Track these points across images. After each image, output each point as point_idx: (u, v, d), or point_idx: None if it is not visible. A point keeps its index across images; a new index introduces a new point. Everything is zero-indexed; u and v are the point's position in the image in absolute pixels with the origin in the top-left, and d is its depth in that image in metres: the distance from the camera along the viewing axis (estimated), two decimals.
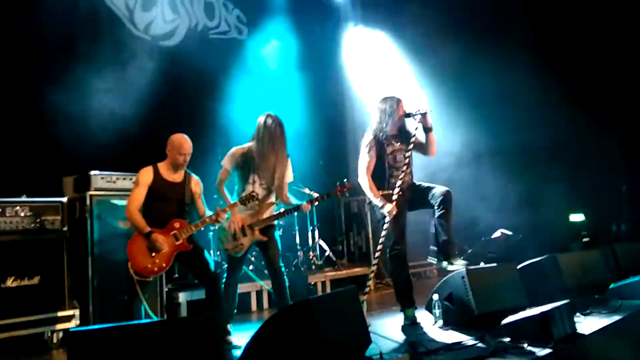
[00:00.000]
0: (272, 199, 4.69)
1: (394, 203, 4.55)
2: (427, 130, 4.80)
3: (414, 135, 4.74)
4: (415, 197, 4.79)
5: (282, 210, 4.77)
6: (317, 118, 8.68)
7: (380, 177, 4.74)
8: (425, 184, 4.84)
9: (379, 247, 4.62)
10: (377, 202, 4.65)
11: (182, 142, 4.43)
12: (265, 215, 4.64)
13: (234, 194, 4.70)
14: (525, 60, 8.05)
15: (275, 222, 4.77)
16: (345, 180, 5.02)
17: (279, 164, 4.64)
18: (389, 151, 4.75)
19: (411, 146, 4.73)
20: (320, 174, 7.70)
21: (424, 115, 4.73)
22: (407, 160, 4.69)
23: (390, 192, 4.63)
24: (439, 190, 4.69)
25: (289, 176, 4.78)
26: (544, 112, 7.98)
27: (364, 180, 4.73)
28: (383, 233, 4.63)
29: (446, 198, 4.64)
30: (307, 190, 6.96)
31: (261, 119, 4.64)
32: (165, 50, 7.45)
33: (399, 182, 4.59)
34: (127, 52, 6.88)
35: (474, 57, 7.94)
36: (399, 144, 4.81)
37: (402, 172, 4.64)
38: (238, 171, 4.65)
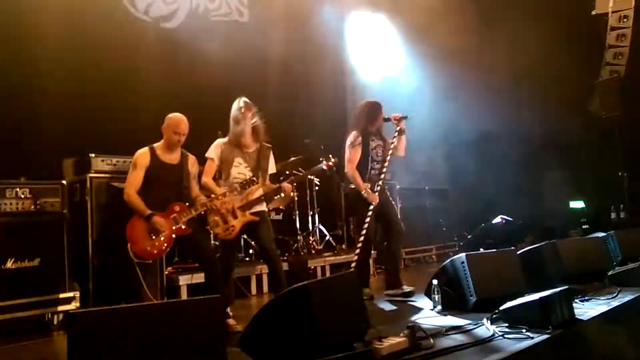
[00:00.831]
0: (260, 178, 4.67)
1: (376, 194, 5.23)
2: (400, 132, 5.48)
3: (393, 142, 5.44)
4: (382, 214, 5.41)
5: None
6: (317, 100, 8.65)
7: (363, 169, 5.34)
8: (392, 214, 5.54)
9: (362, 237, 5.13)
10: (363, 192, 5.22)
11: (179, 121, 4.40)
12: (255, 196, 4.64)
13: (222, 178, 4.68)
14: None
15: (265, 208, 4.77)
16: (330, 155, 5.04)
17: (261, 150, 4.70)
18: (372, 146, 5.41)
19: (390, 151, 5.40)
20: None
21: (399, 120, 5.48)
22: (387, 157, 5.39)
23: (373, 186, 5.29)
24: (397, 230, 5.44)
25: (272, 167, 4.81)
26: (545, 99, 7.96)
27: (350, 172, 5.31)
28: (366, 223, 5.13)
29: (400, 240, 5.54)
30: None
31: (234, 104, 4.67)
32: (165, 32, 7.39)
33: (381, 176, 5.33)
34: (127, 33, 6.84)
35: (478, 42, 7.90)
36: (379, 141, 5.48)
37: (383, 166, 5.37)
38: (222, 159, 4.62)
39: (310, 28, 8.80)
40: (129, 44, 6.86)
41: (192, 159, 4.58)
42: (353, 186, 5.36)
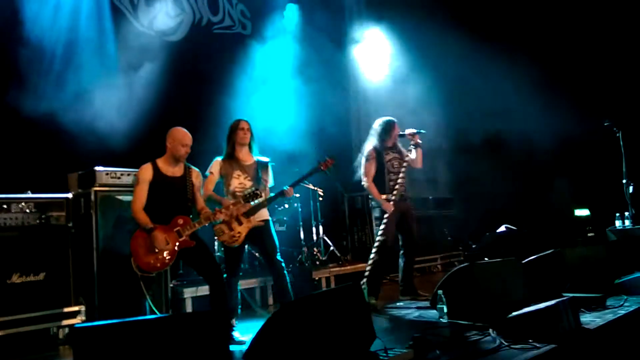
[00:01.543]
0: (260, 187, 4.70)
1: (392, 204, 5.64)
2: (416, 146, 5.88)
3: (407, 156, 5.87)
4: (402, 222, 5.82)
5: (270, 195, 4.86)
6: (321, 113, 8.67)
7: (381, 181, 5.77)
8: (412, 225, 5.92)
9: (376, 244, 5.60)
10: (379, 202, 5.70)
11: (184, 133, 4.45)
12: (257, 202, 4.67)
13: (223, 191, 4.80)
14: (528, 54, 8.04)
15: (269, 217, 4.83)
16: (325, 156, 5.05)
17: (259, 166, 4.87)
18: (387, 159, 5.83)
19: (405, 165, 5.82)
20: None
21: (413, 135, 5.87)
22: (403, 169, 5.80)
23: (389, 195, 5.70)
24: (414, 242, 5.94)
25: (270, 181, 4.94)
26: (549, 105, 7.96)
27: (367, 184, 5.79)
28: (381, 230, 5.61)
29: (416, 251, 6.08)
30: (310, 186, 6.96)
31: (232, 123, 4.93)
32: (169, 45, 7.45)
33: (397, 186, 5.70)
34: (131, 47, 6.89)
35: (477, 51, 7.92)
36: (394, 153, 5.90)
37: (398, 177, 5.75)
38: (222, 172, 4.79)
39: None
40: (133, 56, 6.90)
41: (195, 172, 4.60)
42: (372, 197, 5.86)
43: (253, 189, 4.53)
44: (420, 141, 5.90)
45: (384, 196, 5.70)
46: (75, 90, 6.08)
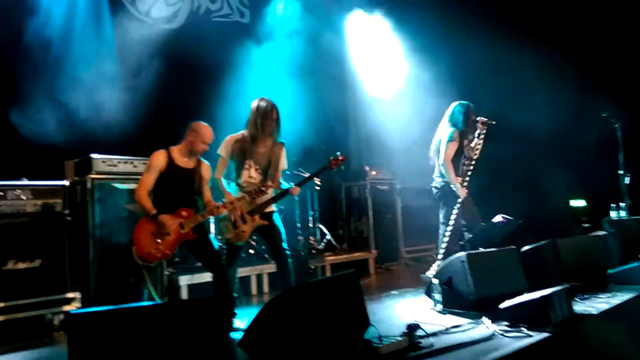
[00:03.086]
0: (269, 183, 4.65)
1: (464, 189, 5.67)
2: (481, 135, 5.84)
3: (482, 136, 5.83)
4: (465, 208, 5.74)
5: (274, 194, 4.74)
6: (320, 103, 8.65)
7: (456, 165, 5.77)
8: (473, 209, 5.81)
9: (449, 229, 5.63)
10: (455, 186, 5.67)
11: (208, 131, 4.42)
12: (263, 200, 4.62)
13: (231, 183, 4.67)
14: (528, 46, 8.01)
15: (274, 207, 4.76)
16: (338, 153, 4.94)
17: (273, 148, 4.65)
18: (466, 144, 5.82)
19: (477, 152, 5.81)
20: (320, 157, 7.67)
21: (484, 124, 5.82)
22: (475, 156, 5.80)
23: (463, 179, 5.73)
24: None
25: (284, 164, 4.74)
26: (545, 96, 7.96)
27: (447, 165, 5.74)
28: (454, 215, 5.64)
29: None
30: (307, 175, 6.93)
31: (254, 103, 4.62)
32: (167, 33, 7.40)
33: (469, 172, 5.74)
34: (128, 34, 6.85)
35: (478, 38, 7.90)
36: (469, 139, 5.87)
37: (471, 163, 5.78)
38: (234, 158, 4.62)
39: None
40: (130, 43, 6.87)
41: (206, 165, 4.55)
42: (439, 180, 5.86)
43: (259, 185, 4.46)
44: (485, 132, 5.87)
45: (459, 179, 5.70)
46: (71, 77, 6.06)
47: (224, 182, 4.64)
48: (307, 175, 6.74)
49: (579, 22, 8.19)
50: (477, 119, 5.87)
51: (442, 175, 5.84)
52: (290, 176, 6.38)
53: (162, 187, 4.32)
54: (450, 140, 5.77)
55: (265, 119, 4.54)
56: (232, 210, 4.45)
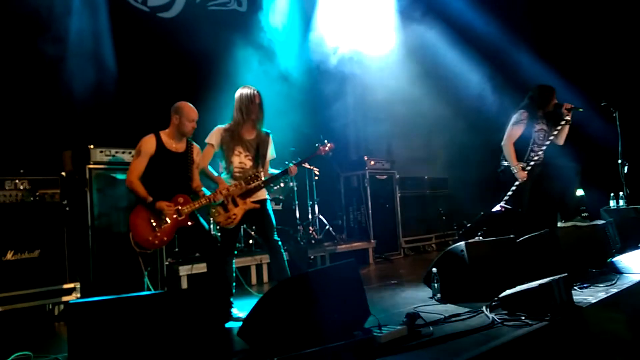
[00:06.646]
0: (261, 168, 4.64)
1: (526, 173, 5.57)
2: (567, 122, 5.70)
3: (563, 123, 5.67)
4: (544, 180, 5.72)
5: (273, 173, 4.76)
6: (317, 91, 8.62)
7: (523, 148, 5.67)
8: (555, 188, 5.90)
9: (494, 209, 5.63)
10: (514, 168, 5.60)
11: (190, 108, 4.36)
12: (254, 184, 4.59)
13: (223, 170, 4.64)
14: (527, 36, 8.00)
15: (267, 196, 4.76)
16: (325, 140, 4.97)
17: (261, 137, 4.66)
18: (536, 129, 5.67)
19: (559, 128, 5.66)
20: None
21: (569, 110, 5.67)
22: (547, 143, 5.66)
23: (525, 165, 5.63)
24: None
25: (271, 153, 4.76)
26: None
27: (507, 146, 5.66)
28: (507, 196, 5.61)
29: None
30: (306, 165, 6.93)
31: (238, 92, 4.63)
32: (163, 22, 7.36)
33: (535, 158, 5.63)
34: (124, 23, 6.81)
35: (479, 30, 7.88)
36: (543, 124, 5.72)
37: (540, 150, 5.65)
38: (223, 146, 4.59)
39: None
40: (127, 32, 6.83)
41: (196, 148, 4.51)
42: (504, 162, 5.75)
43: (254, 171, 4.44)
44: (570, 118, 5.70)
45: (521, 164, 5.62)
46: (67, 67, 6.02)
47: (210, 169, 4.62)
48: (306, 165, 6.78)
49: (576, 11, 8.16)
50: (563, 104, 5.71)
51: (505, 158, 5.78)
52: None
53: (153, 172, 4.26)
54: (516, 122, 5.67)
55: (250, 103, 4.55)
56: (227, 196, 4.44)
